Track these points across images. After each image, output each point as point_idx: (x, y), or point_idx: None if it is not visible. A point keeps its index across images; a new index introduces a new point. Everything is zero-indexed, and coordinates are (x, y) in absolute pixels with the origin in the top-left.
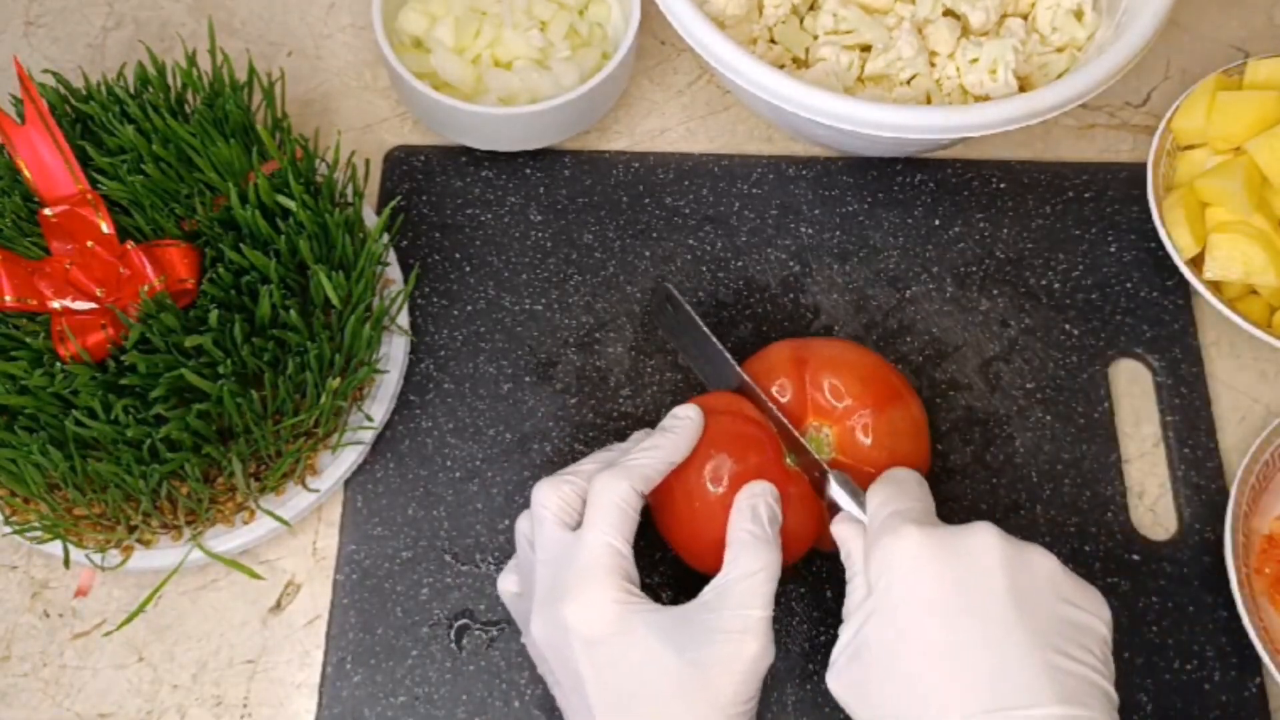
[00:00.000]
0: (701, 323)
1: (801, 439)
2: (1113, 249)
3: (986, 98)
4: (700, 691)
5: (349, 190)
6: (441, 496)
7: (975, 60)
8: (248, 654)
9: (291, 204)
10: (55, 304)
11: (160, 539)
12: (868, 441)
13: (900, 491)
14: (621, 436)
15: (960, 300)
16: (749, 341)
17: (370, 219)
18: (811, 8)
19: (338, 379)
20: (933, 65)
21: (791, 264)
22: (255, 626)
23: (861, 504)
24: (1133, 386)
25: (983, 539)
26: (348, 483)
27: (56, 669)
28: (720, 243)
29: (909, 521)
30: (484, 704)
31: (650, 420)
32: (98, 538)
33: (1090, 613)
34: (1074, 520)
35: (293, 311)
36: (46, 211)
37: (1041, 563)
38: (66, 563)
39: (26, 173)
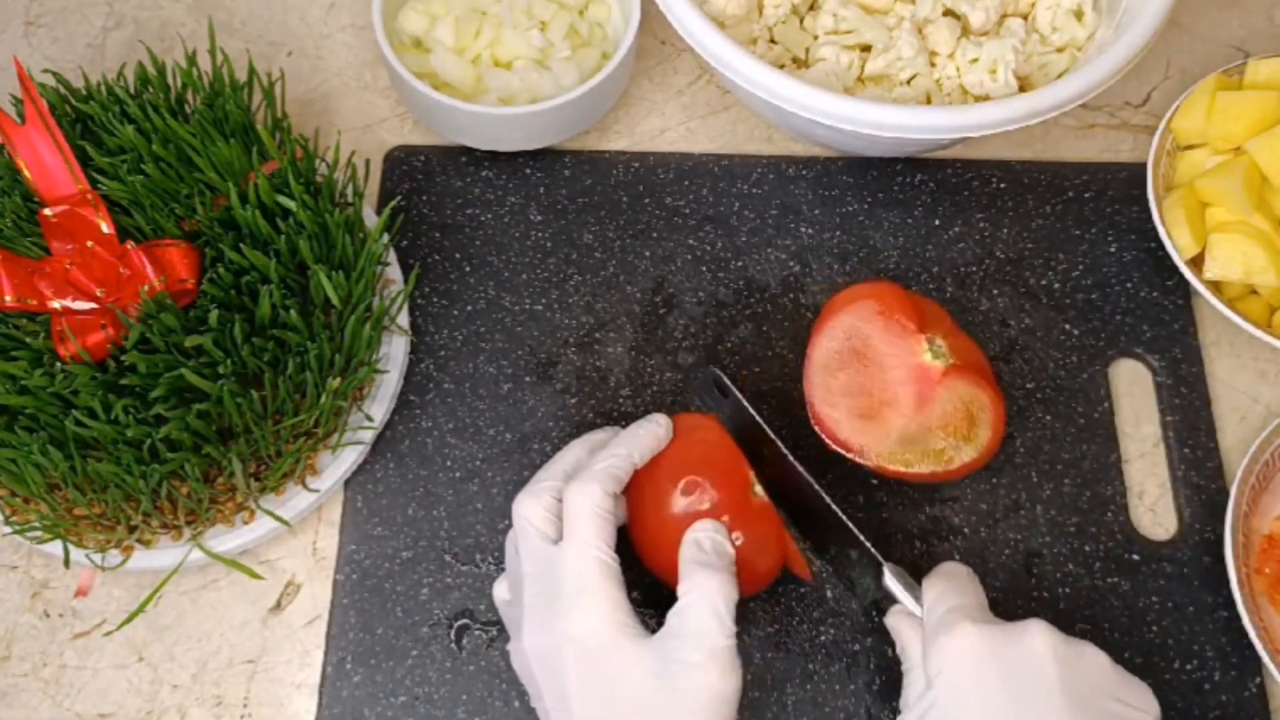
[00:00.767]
0: (752, 409)
1: (858, 532)
2: (1113, 249)
3: (986, 98)
4: (674, 718)
5: (349, 190)
6: (441, 496)
7: (975, 60)
8: (248, 654)
9: (291, 204)
10: (55, 304)
11: (160, 539)
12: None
13: (955, 587)
14: None
15: (960, 300)
16: (749, 341)
17: (370, 219)
18: (811, 8)
19: (338, 379)
20: (933, 65)
21: (791, 264)
22: (255, 626)
23: (916, 597)
24: (1133, 386)
25: (1037, 637)
26: (348, 483)
27: (56, 669)
28: (720, 243)
29: (966, 618)
30: (484, 704)
31: None
32: (98, 538)
33: (1140, 709)
34: (1074, 520)
35: (293, 311)
36: (46, 211)
37: (1093, 660)
38: (66, 563)
39: (26, 173)
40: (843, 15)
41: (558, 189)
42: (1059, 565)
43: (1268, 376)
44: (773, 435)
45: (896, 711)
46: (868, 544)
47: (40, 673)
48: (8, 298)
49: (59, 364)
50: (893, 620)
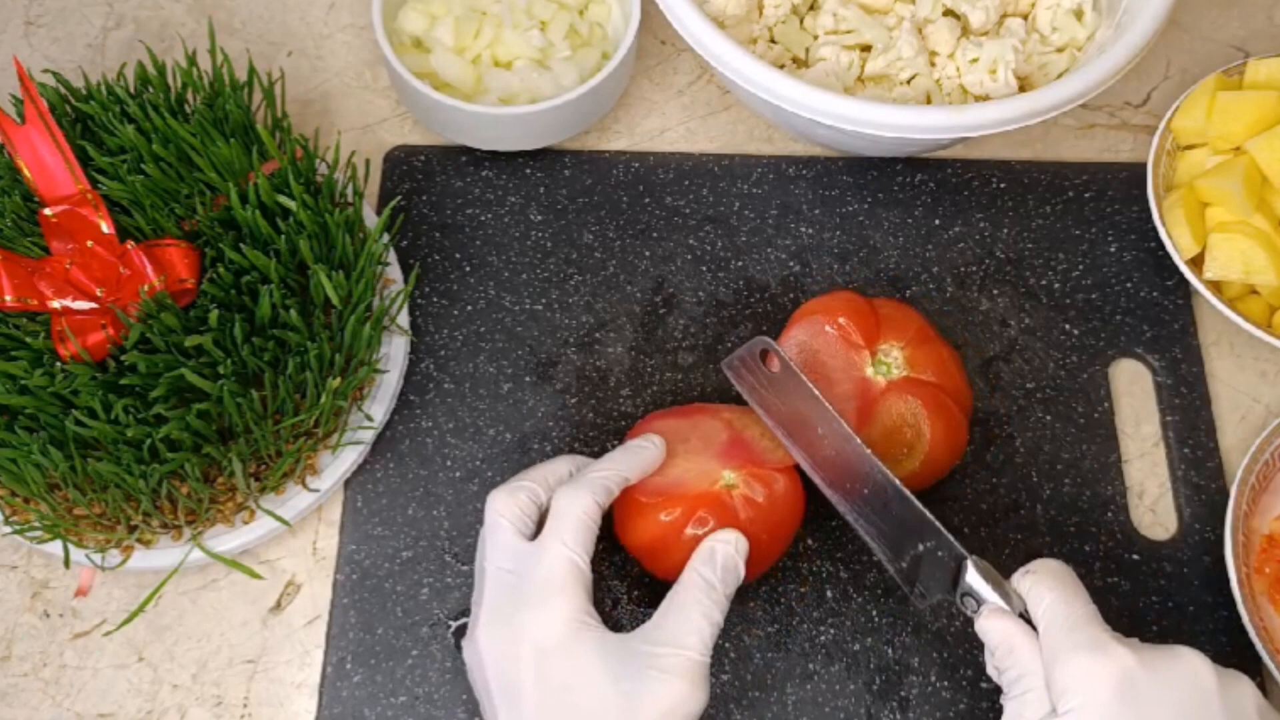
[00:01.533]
0: (813, 387)
1: (935, 521)
2: (1113, 249)
3: (986, 98)
4: None
5: (349, 190)
6: (441, 496)
7: (975, 60)
8: (248, 654)
9: (291, 204)
10: (55, 304)
11: (160, 539)
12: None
13: (1073, 593)
14: (621, 436)
15: (960, 300)
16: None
17: (370, 219)
18: (811, 8)
19: (338, 379)
20: (933, 65)
21: (791, 264)
22: (255, 626)
23: (1003, 594)
24: (1133, 386)
25: (1195, 666)
26: (348, 483)
27: (56, 669)
28: (720, 243)
29: (1108, 636)
30: None
31: None
32: (98, 538)
33: None
34: (1074, 520)
35: (293, 311)
36: (46, 211)
37: (1249, 693)
38: (66, 563)
39: (26, 173)
40: (843, 15)
41: (558, 189)
42: None
43: (1268, 376)
44: (833, 411)
45: (896, 711)
46: (947, 534)
47: (40, 673)
48: (8, 298)
49: (59, 364)
50: (993, 623)
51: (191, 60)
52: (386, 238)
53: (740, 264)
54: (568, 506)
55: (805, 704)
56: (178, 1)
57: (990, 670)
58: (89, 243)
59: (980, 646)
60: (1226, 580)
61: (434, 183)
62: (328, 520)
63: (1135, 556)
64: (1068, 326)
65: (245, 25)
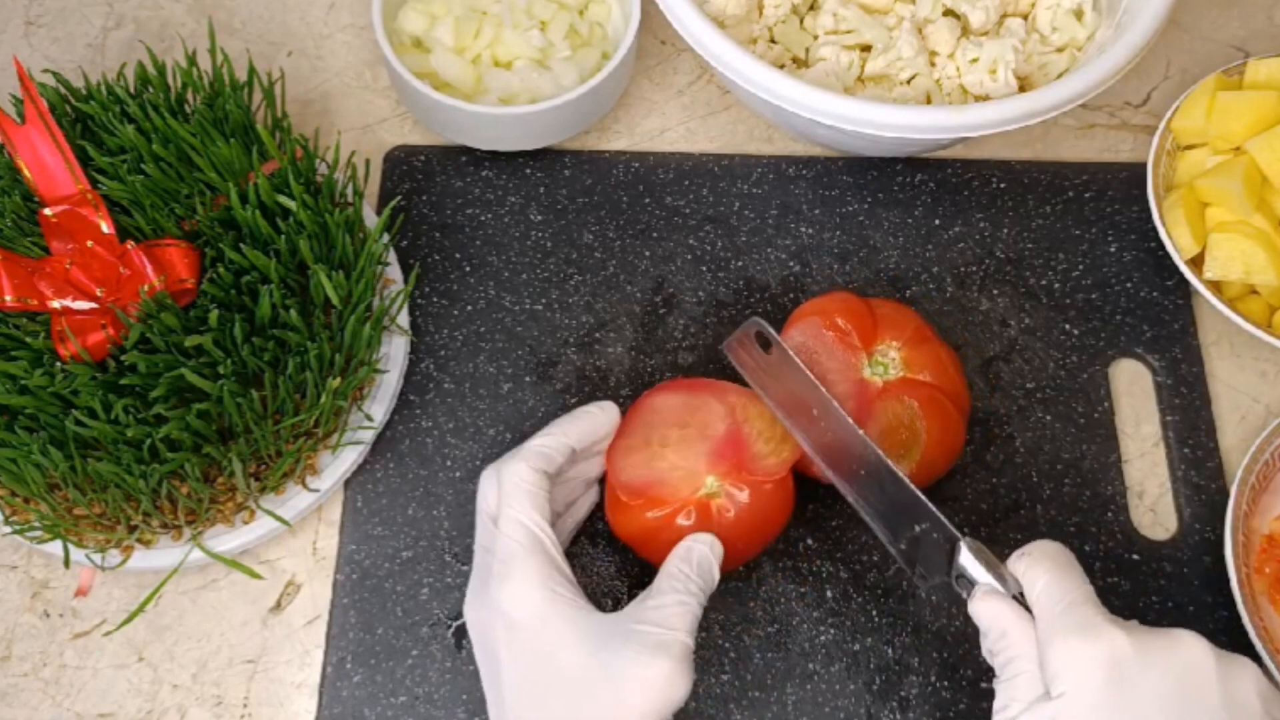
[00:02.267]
0: (805, 368)
1: (929, 503)
2: (1113, 249)
3: (986, 98)
4: (607, 699)
5: (349, 190)
6: (441, 496)
7: (975, 60)
8: (248, 654)
9: (291, 204)
10: (55, 304)
11: (160, 539)
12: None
13: (1070, 575)
14: None
15: (960, 300)
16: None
17: (370, 219)
18: (811, 8)
19: (338, 379)
20: (933, 65)
21: (791, 264)
22: (255, 626)
23: (998, 575)
24: (1133, 386)
25: (1194, 650)
26: (348, 483)
27: (56, 669)
28: (720, 243)
29: (1103, 618)
30: (484, 704)
31: None
32: (98, 538)
33: None
34: (1074, 520)
35: (293, 311)
36: (46, 211)
37: (1249, 675)
38: (66, 563)
39: (26, 173)
40: (843, 15)
41: (558, 189)
42: None
43: (1268, 376)
44: (826, 394)
45: (896, 711)
46: (940, 515)
47: (40, 673)
48: (8, 298)
49: (59, 364)
50: (985, 605)
51: (191, 60)
52: (386, 238)
53: (740, 264)
54: (506, 481)
55: (805, 704)
56: (178, 1)
57: (985, 653)
58: (89, 243)
59: (980, 645)
60: (1226, 580)
61: (434, 183)
62: (328, 520)
63: (1135, 556)
64: (1068, 326)
65: (245, 25)
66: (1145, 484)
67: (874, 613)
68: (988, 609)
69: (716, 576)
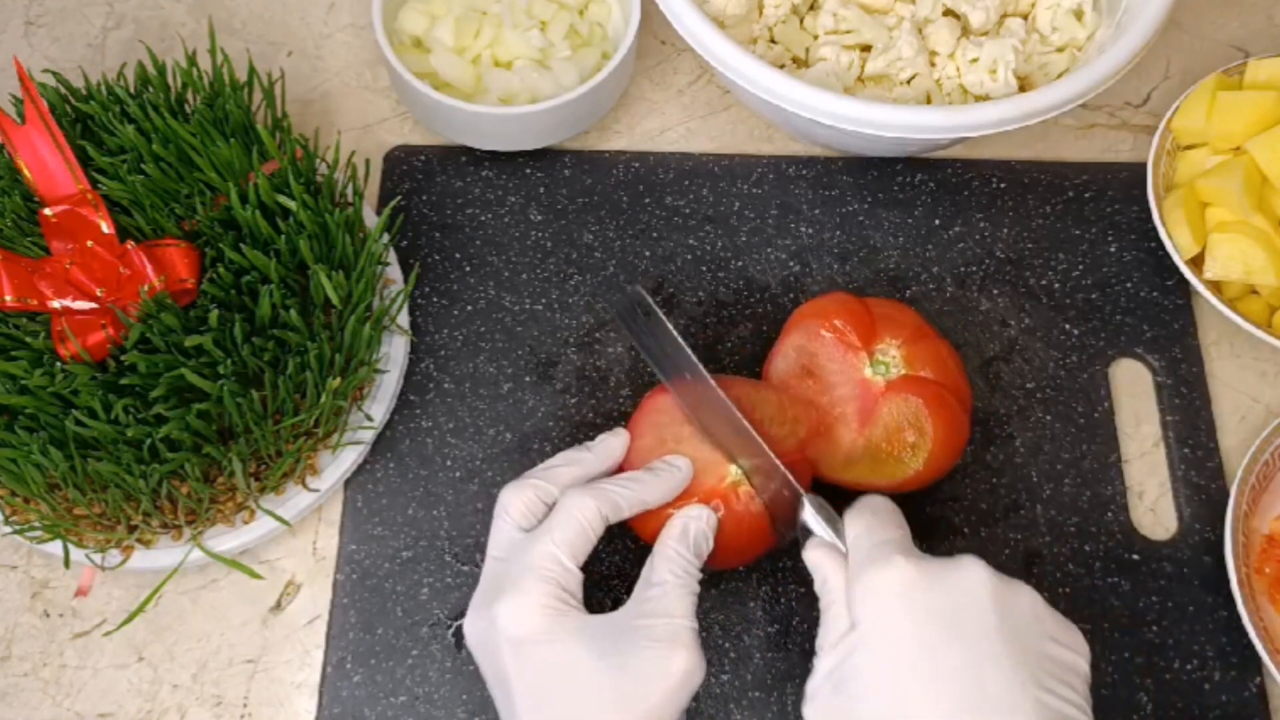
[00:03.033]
0: (678, 336)
1: (777, 461)
2: (1113, 249)
3: (986, 98)
4: (629, 699)
5: (349, 190)
6: (441, 496)
7: (975, 60)
8: (248, 654)
9: (291, 204)
10: (55, 304)
11: (160, 539)
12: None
13: (881, 520)
14: None
15: (960, 300)
16: (749, 341)
17: (370, 219)
18: (811, 8)
19: (338, 379)
20: (933, 65)
21: (791, 264)
22: (255, 626)
23: (837, 531)
24: (1133, 386)
25: (973, 573)
26: (348, 483)
27: (56, 669)
28: (720, 243)
29: (897, 552)
30: (484, 704)
31: None
32: (98, 538)
33: (1073, 650)
34: (1074, 520)
35: (293, 311)
36: (47, 211)
37: (1028, 599)
38: (66, 563)
39: (26, 173)
40: (843, 15)
41: (558, 189)
42: (1059, 565)
43: (1268, 376)
44: (695, 359)
45: None
46: (787, 474)
47: (40, 673)
48: (8, 298)
49: (59, 364)
50: (812, 554)
51: (191, 60)
52: (386, 238)
53: (740, 264)
54: (570, 507)
55: None
56: (178, 1)
57: (817, 592)
58: (89, 243)
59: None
60: (1226, 580)
61: (434, 183)
62: (328, 520)
63: (1135, 556)
64: (1068, 326)
65: (245, 25)
66: (1145, 484)
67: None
68: (813, 557)
69: (711, 546)
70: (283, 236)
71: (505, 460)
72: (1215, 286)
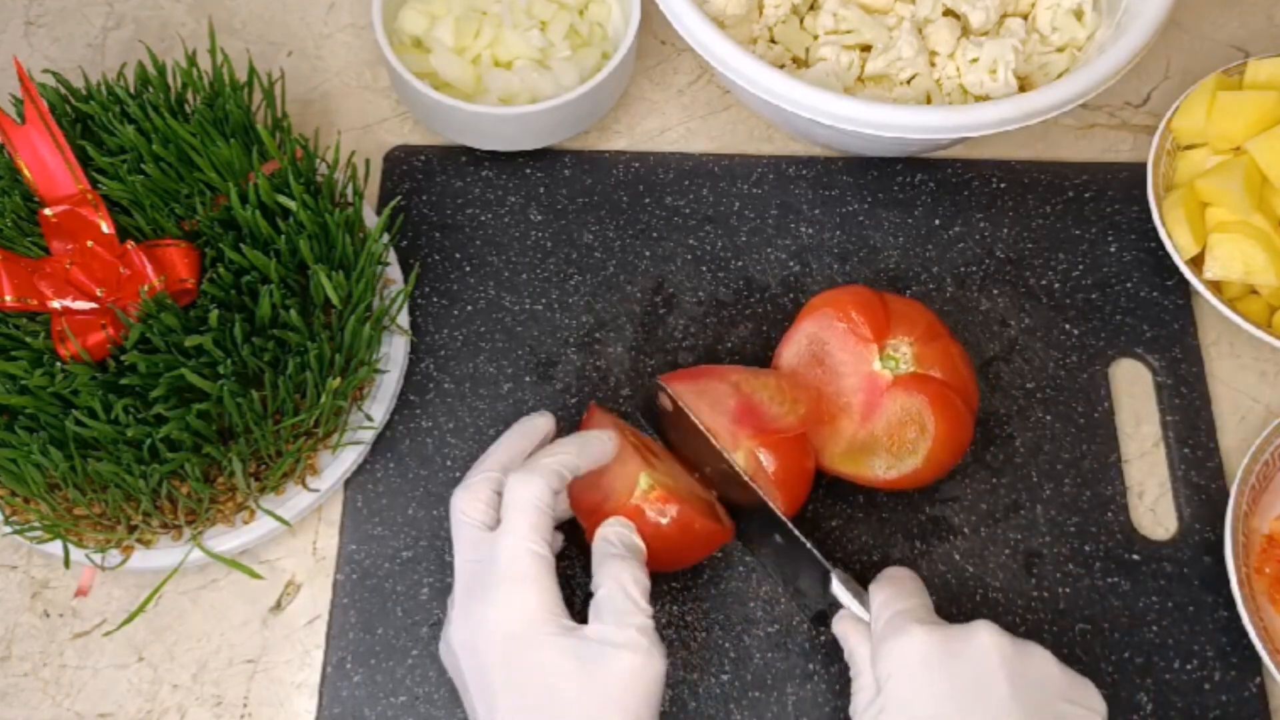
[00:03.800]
0: (702, 425)
1: (807, 542)
2: (1113, 249)
3: (986, 98)
4: (600, 705)
5: (349, 190)
6: (441, 496)
7: (975, 60)
8: (248, 654)
9: (291, 204)
10: (55, 304)
11: (160, 539)
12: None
13: (901, 590)
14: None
15: (960, 300)
16: (749, 341)
17: (370, 219)
18: (811, 8)
19: (338, 379)
20: (933, 65)
21: (791, 264)
22: (255, 626)
23: (864, 602)
24: (1133, 386)
25: (985, 639)
26: (348, 483)
27: (56, 669)
28: (720, 243)
29: (913, 621)
30: None
31: None
32: (98, 538)
33: (1088, 708)
34: (1074, 520)
35: (293, 311)
36: (47, 211)
37: (1040, 660)
38: (66, 563)
39: (26, 173)
40: (843, 15)
41: (558, 189)
42: (1059, 565)
43: (1268, 376)
44: (724, 451)
45: None
46: (814, 550)
47: (40, 673)
48: (8, 298)
49: (59, 364)
50: (840, 626)
51: (191, 60)
52: (386, 238)
53: (740, 264)
54: (520, 494)
55: (805, 704)
56: (178, 1)
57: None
58: (89, 243)
59: None
60: (1226, 580)
61: (434, 183)
62: (328, 520)
63: (1135, 556)
64: (1068, 326)
65: (245, 25)
66: (1145, 484)
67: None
68: (841, 628)
69: (640, 545)
70: (283, 236)
71: None
72: (1215, 286)
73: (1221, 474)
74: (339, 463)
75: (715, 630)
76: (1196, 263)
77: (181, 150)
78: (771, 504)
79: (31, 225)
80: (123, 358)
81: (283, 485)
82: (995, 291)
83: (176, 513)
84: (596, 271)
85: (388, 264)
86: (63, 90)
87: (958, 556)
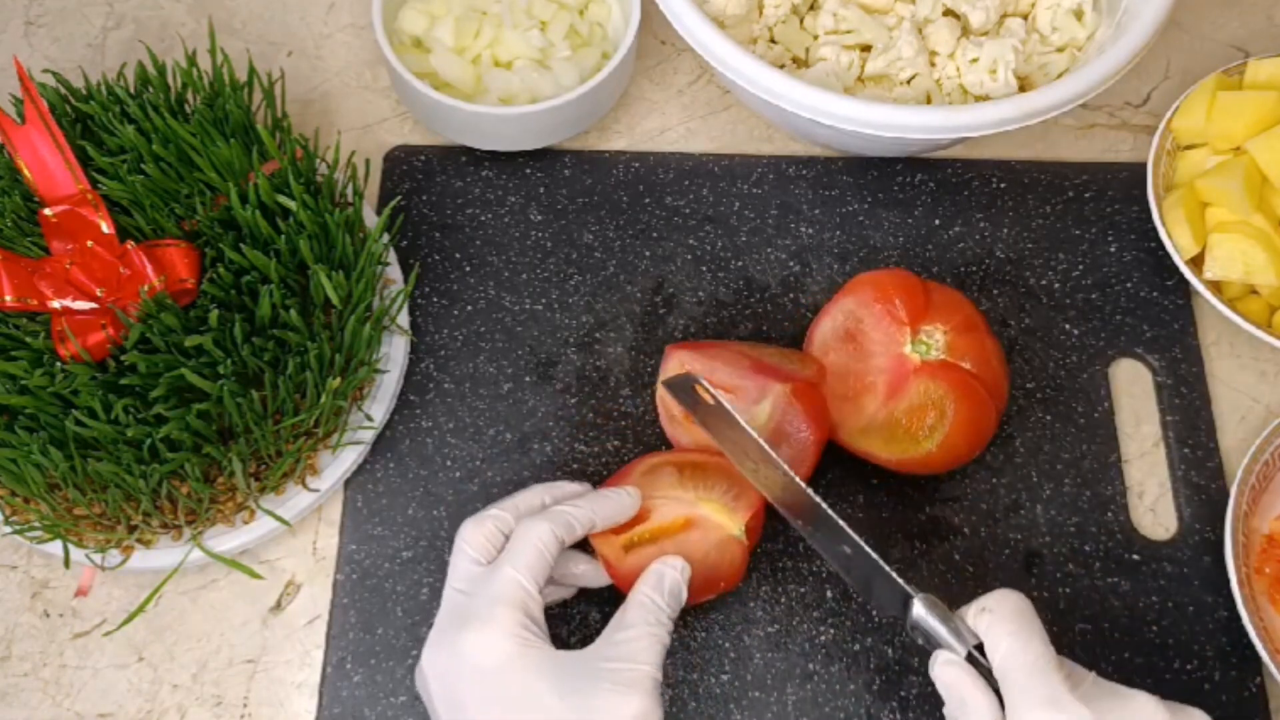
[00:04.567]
0: (740, 418)
1: (875, 555)
2: (1113, 249)
3: (986, 98)
4: None
5: (349, 190)
6: (441, 496)
7: (975, 60)
8: (248, 654)
9: (291, 204)
10: (55, 304)
11: (160, 539)
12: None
13: (1034, 637)
14: (621, 436)
15: None
16: (749, 341)
17: (370, 219)
18: (811, 8)
19: (338, 379)
20: (933, 65)
21: (791, 264)
22: (255, 626)
23: (952, 629)
24: (1133, 386)
25: (1147, 713)
26: (348, 483)
27: (56, 669)
28: (720, 243)
29: (1066, 692)
30: None
31: (650, 420)
32: (98, 538)
33: None
34: (1074, 520)
35: (293, 311)
36: (47, 211)
37: None
38: (66, 563)
39: (27, 173)
40: (843, 15)
41: (558, 189)
42: (1059, 565)
43: (1268, 376)
44: (774, 456)
45: (897, 711)
46: (891, 572)
47: (40, 673)
48: (8, 298)
49: (59, 364)
50: (946, 673)
51: (191, 60)
52: (386, 238)
53: (740, 264)
54: (525, 534)
55: (805, 704)
56: (178, 1)
57: (947, 715)
58: (89, 243)
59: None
60: (1226, 580)
61: (434, 183)
62: (328, 520)
63: (1135, 556)
64: (1068, 326)
65: (245, 25)
66: (1145, 484)
67: (874, 613)
68: (947, 676)
69: (685, 598)
70: (283, 236)
71: (505, 460)
72: (1215, 286)
73: (1221, 474)
74: (339, 463)
75: (715, 630)
76: (1196, 263)
77: (181, 150)
78: (832, 513)
79: (31, 225)
80: (123, 358)
81: (283, 485)
82: (995, 291)
83: (176, 513)
84: (596, 271)
85: (388, 264)
86: (63, 90)
87: (958, 556)
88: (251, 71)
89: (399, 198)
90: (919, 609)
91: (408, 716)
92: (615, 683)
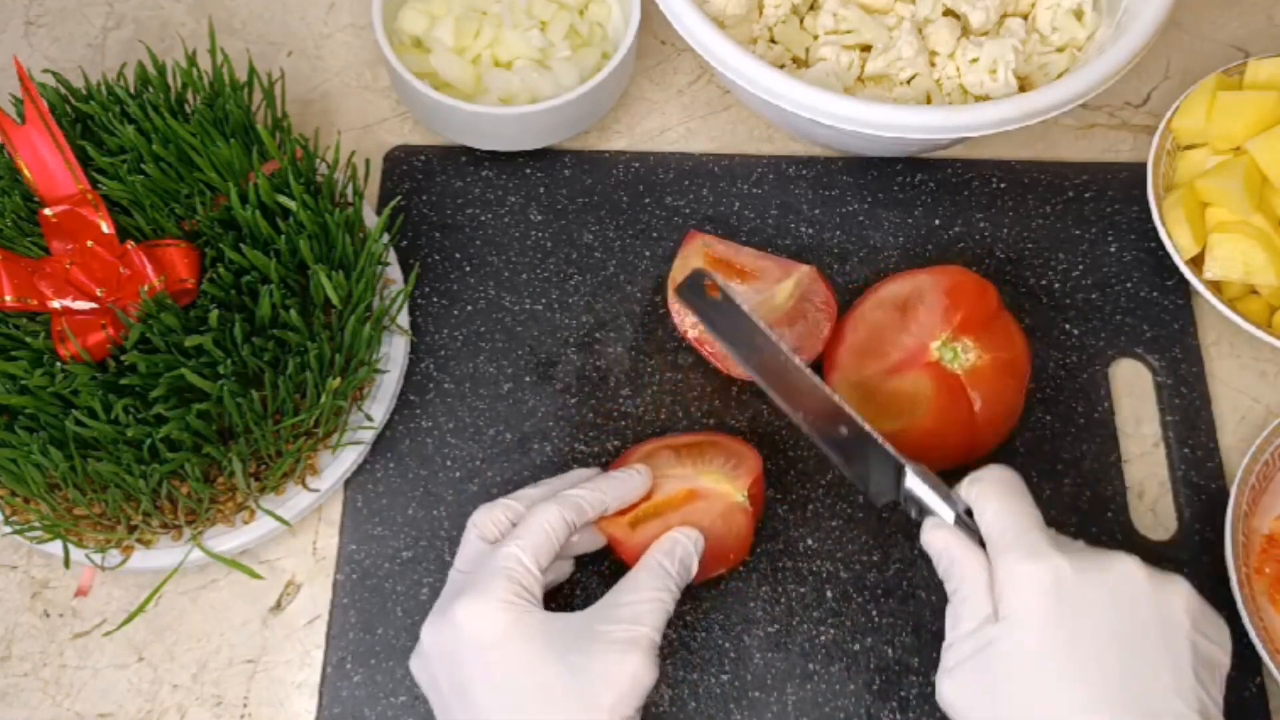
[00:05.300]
0: (744, 306)
1: (872, 430)
2: (1113, 249)
3: (986, 98)
4: (578, 699)
5: (349, 190)
6: (441, 496)
7: (975, 60)
8: (248, 654)
9: (291, 204)
10: (55, 304)
11: (160, 539)
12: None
13: (1018, 503)
14: (621, 436)
15: None
16: None
17: (370, 219)
18: (811, 8)
19: (338, 379)
20: (933, 65)
21: None
22: (255, 626)
23: (945, 498)
24: (1133, 386)
25: (1127, 568)
26: (348, 483)
27: (56, 669)
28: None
29: (1046, 543)
30: None
31: (650, 420)
32: (98, 538)
33: (1219, 645)
34: (1074, 520)
35: (293, 311)
36: (47, 211)
37: (1183, 595)
38: (66, 563)
39: (26, 173)
40: (843, 15)
41: (558, 189)
42: None
43: (1268, 376)
44: (773, 337)
45: (896, 711)
46: (884, 443)
47: (40, 673)
48: (8, 298)
49: (59, 364)
50: (935, 536)
51: (191, 60)
52: (386, 238)
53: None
54: (533, 516)
55: (805, 704)
56: (178, 1)
57: (940, 575)
58: (89, 243)
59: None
60: (1226, 580)
61: (434, 183)
62: (328, 520)
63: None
64: (1068, 326)
65: (245, 25)
66: (1145, 484)
67: (874, 613)
68: (937, 538)
69: (695, 570)
70: (283, 236)
71: (505, 460)
72: (1215, 286)
73: (1221, 474)
74: (339, 463)
75: (715, 630)
76: (1196, 263)
77: (181, 150)
78: (828, 390)
79: (31, 225)
80: (123, 358)
81: (283, 485)
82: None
83: (176, 513)
84: (596, 271)
85: (388, 264)
86: (63, 90)
87: None
88: (251, 71)
89: (399, 198)
90: (912, 477)
91: (408, 716)
92: (610, 643)
